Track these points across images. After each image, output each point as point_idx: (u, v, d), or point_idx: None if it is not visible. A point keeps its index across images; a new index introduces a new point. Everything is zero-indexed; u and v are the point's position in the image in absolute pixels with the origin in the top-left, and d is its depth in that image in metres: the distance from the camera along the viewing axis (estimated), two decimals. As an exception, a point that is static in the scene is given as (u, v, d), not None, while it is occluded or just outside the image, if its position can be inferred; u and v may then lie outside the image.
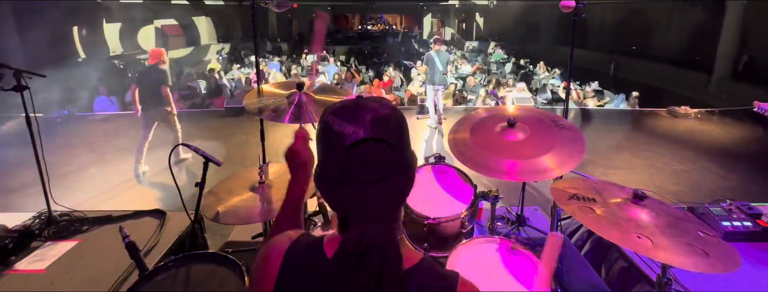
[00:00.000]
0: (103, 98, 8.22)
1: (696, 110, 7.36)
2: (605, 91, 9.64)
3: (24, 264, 2.18)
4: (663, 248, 1.30)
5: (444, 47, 6.47)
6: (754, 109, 2.56)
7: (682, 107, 7.44)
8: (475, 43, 20.44)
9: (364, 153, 0.61)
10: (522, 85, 8.93)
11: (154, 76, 4.73)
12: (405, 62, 7.13)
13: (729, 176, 4.64)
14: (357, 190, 0.62)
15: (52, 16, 9.24)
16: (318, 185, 0.68)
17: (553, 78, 11.02)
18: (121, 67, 11.80)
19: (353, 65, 13.20)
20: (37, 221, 2.50)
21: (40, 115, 7.12)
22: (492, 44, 18.56)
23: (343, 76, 10.80)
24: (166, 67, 4.89)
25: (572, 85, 9.17)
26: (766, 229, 2.20)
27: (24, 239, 2.31)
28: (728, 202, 2.40)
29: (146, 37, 13.99)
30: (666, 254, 1.28)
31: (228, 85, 10.31)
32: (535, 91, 10.23)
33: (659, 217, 1.44)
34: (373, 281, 0.57)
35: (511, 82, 9.55)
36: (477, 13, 22.32)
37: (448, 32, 23.08)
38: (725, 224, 2.20)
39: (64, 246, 2.33)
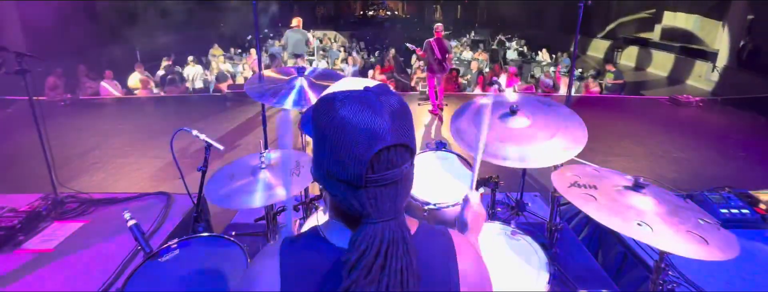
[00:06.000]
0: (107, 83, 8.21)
1: (698, 98, 7.33)
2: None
3: (34, 244, 2.23)
4: (663, 236, 1.31)
5: (445, 34, 6.42)
6: None
7: (685, 95, 7.41)
8: (478, 30, 20.18)
9: (389, 159, 0.59)
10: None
11: (299, 36, 7.52)
12: (407, 44, 7.04)
13: (729, 164, 4.65)
14: (376, 192, 0.59)
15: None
16: (326, 185, 0.63)
17: (556, 65, 10.92)
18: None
19: (356, 50, 13.09)
20: (44, 202, 2.53)
21: (44, 98, 7.12)
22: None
23: (342, 61, 10.73)
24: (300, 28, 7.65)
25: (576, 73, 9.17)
26: (764, 216, 2.22)
27: (32, 220, 2.35)
28: (727, 189, 2.42)
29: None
30: (666, 241, 1.30)
31: (231, 70, 10.25)
32: (536, 79, 10.14)
33: (659, 204, 1.45)
34: (404, 274, 0.57)
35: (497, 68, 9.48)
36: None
37: (451, 18, 22.75)
38: (723, 211, 2.23)
39: (71, 227, 2.37)
